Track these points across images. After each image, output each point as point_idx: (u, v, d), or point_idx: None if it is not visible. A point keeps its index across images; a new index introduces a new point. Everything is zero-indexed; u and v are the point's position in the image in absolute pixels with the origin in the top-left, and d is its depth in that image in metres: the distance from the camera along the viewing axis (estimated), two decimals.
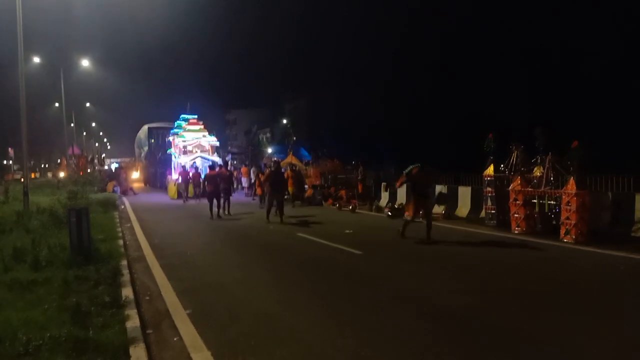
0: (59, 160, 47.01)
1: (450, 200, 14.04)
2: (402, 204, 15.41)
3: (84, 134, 69.57)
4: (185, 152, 24.56)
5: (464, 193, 14.11)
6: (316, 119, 51.52)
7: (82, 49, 73.26)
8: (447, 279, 7.09)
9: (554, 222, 10.41)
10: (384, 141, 33.57)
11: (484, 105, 32.75)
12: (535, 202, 10.93)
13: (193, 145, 25.08)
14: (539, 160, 10.81)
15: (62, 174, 41.95)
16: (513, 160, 11.37)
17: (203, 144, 25.37)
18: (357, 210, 16.18)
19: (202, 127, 26.53)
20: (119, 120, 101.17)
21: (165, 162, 28.59)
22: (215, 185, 15.37)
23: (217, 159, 24.06)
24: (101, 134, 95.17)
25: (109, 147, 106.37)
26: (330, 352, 4.46)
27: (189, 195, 21.38)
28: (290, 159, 23.94)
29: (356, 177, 19.38)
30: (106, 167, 43.36)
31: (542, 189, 10.52)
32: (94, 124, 78.97)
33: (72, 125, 48.24)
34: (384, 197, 17.49)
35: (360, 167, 19.09)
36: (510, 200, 11.05)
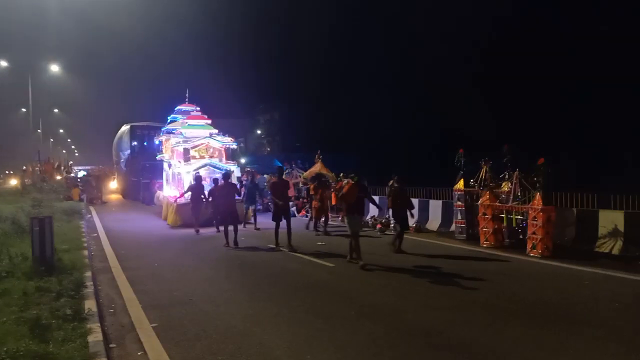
0: (24, 167, 45.55)
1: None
2: (387, 218, 15.16)
3: (51, 140, 67.90)
4: (187, 158, 16.78)
5: (435, 206, 14.29)
6: (290, 131, 51.64)
7: (52, 53, 71.75)
8: (417, 294, 7.12)
9: (521, 237, 10.62)
10: (355, 154, 33.75)
11: (454, 121, 33.40)
12: (503, 217, 11.15)
13: (198, 148, 17.33)
14: (506, 176, 11.06)
15: (27, 181, 40.49)
16: (482, 175, 11.59)
17: (214, 146, 17.62)
18: (330, 222, 16.15)
19: (208, 122, 18.90)
20: (89, 128, 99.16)
21: (153, 171, 23.28)
22: (227, 202, 11.72)
23: (233, 167, 17.04)
24: (69, 140, 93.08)
25: (76, 155, 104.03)
26: None
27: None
28: (320, 167, 17.68)
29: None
30: (72, 175, 41.71)
31: (510, 204, 10.75)
32: (61, 131, 77.27)
33: (38, 131, 46.99)
34: (372, 210, 17.48)
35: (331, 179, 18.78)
36: (479, 214, 11.24)
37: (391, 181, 11.26)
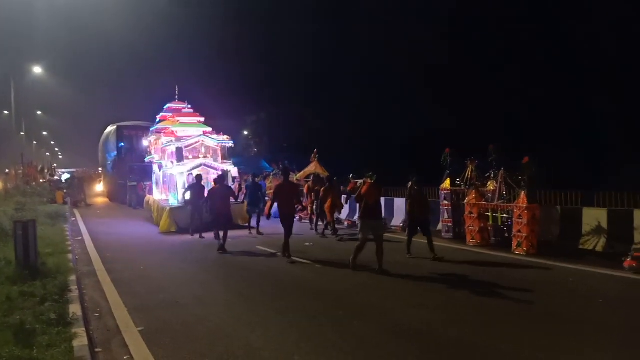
0: (7, 171, 44.73)
1: None
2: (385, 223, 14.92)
3: (35, 143, 66.97)
4: (180, 158, 15.61)
5: None
6: (277, 132, 51.52)
7: (36, 54, 70.41)
8: (406, 293, 7.16)
9: (507, 235, 10.74)
10: (342, 154, 33.74)
11: (441, 120, 33.58)
12: (489, 215, 11.25)
13: (191, 147, 16.02)
14: (492, 175, 11.17)
15: (9, 185, 39.74)
16: (468, 174, 11.68)
17: (208, 145, 16.31)
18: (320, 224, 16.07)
19: (201, 120, 17.94)
20: (73, 130, 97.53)
21: (140, 173, 22.85)
22: (222, 206, 11.38)
23: (231, 167, 16.28)
24: (52, 143, 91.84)
25: (60, 157, 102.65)
26: None
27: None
28: (315, 167, 17.40)
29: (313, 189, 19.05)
30: (56, 177, 40.96)
31: (495, 202, 10.85)
32: (45, 133, 76.22)
33: (21, 134, 46.26)
34: (345, 209, 17.51)
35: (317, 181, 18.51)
36: (466, 213, 11.32)
37: (410, 183, 10.34)
